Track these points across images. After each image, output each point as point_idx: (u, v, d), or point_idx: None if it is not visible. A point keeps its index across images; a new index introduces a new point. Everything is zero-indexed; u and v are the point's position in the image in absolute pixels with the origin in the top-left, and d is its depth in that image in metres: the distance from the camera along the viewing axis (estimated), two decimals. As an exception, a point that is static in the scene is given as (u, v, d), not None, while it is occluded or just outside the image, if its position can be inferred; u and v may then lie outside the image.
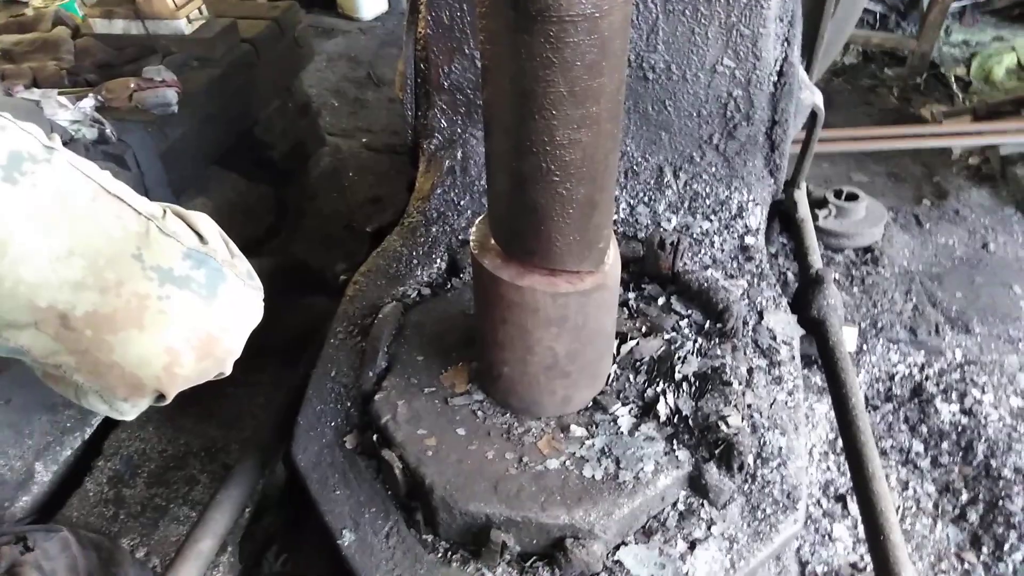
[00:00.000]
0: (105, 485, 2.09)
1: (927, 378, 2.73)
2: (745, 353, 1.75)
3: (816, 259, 2.42)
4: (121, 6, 3.21)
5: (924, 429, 2.56)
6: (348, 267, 2.39)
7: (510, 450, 1.51)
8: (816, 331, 2.08)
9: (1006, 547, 2.20)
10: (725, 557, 1.43)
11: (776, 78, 2.04)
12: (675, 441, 1.53)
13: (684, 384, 1.62)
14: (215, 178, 3.25)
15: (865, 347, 2.85)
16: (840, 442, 2.01)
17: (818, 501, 2.36)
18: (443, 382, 1.66)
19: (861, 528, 1.89)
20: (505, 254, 1.40)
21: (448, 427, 1.56)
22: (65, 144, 2.49)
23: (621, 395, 1.62)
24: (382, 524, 1.49)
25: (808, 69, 2.32)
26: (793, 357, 1.80)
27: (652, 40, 2.00)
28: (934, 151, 4.00)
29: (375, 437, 1.58)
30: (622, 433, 1.54)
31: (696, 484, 1.50)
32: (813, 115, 2.37)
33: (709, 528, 1.47)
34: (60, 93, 2.70)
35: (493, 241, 1.42)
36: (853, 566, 2.18)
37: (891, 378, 2.75)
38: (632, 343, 1.72)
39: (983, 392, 2.65)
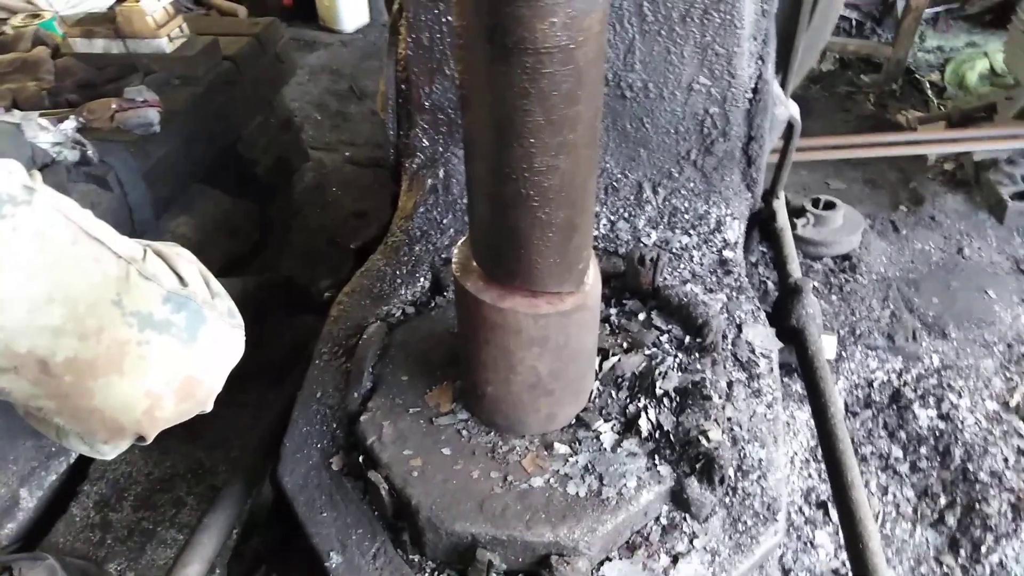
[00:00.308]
0: (91, 510, 2.09)
1: (905, 384, 2.78)
2: (725, 367, 1.78)
3: (795, 268, 2.46)
4: (101, 25, 3.21)
5: (903, 434, 2.61)
6: (333, 283, 2.41)
7: (495, 469, 1.53)
8: (796, 340, 2.11)
9: (983, 549, 2.24)
10: (707, 570, 1.45)
11: (751, 95, 2.08)
12: (657, 456, 1.55)
13: (665, 399, 1.65)
14: (199, 196, 3.25)
15: (844, 354, 2.90)
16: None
17: (800, 508, 2.40)
18: (428, 401, 1.68)
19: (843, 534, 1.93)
20: (487, 276, 1.42)
21: (433, 447, 1.58)
22: (46, 167, 2.48)
23: (603, 411, 1.65)
24: (369, 545, 1.51)
25: (784, 83, 2.36)
26: (772, 369, 1.83)
27: (629, 59, 2.04)
28: (910, 157, 4.07)
29: (361, 458, 1.60)
30: (605, 449, 1.57)
31: (678, 498, 1.53)
32: (790, 126, 2.42)
33: (691, 542, 1.49)
34: (41, 115, 2.70)
35: (475, 263, 1.44)
36: (835, 572, 2.22)
37: (870, 384, 2.80)
38: (614, 359, 1.75)
39: (959, 397, 2.71)
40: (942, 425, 2.61)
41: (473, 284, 1.42)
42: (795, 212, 3.32)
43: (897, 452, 2.56)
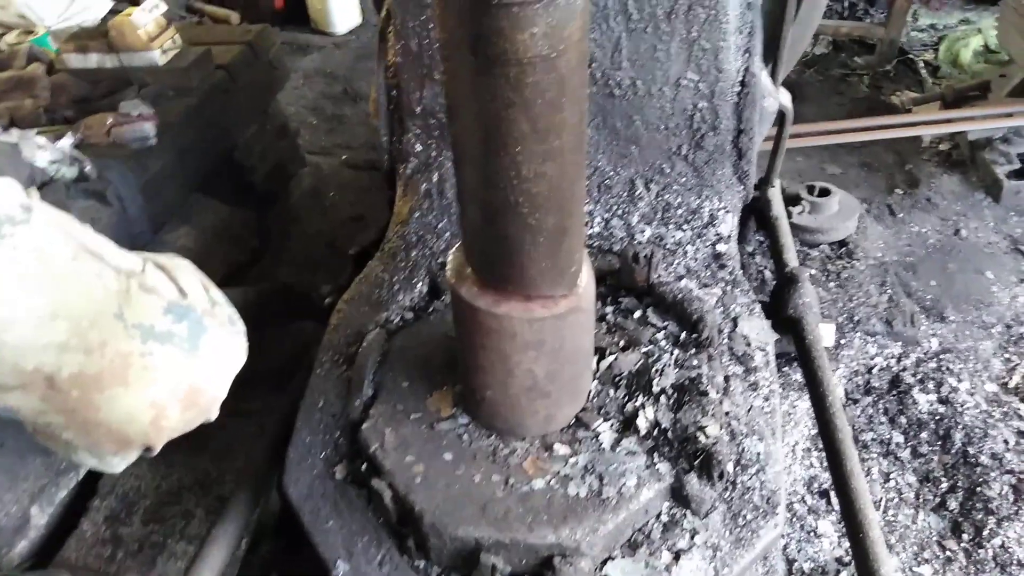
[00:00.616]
0: (102, 525, 2.11)
1: (904, 369, 2.79)
2: (721, 361, 1.80)
3: (791, 257, 2.47)
4: (95, 40, 3.22)
5: (903, 420, 2.62)
6: (333, 289, 2.42)
7: (496, 472, 1.55)
8: (793, 330, 2.13)
9: (985, 533, 2.26)
10: (709, 566, 1.47)
11: (739, 88, 2.09)
12: (656, 454, 1.57)
13: (662, 396, 1.67)
14: (197, 206, 3.27)
15: (843, 341, 2.91)
16: (822, 439, 2.06)
17: (802, 498, 2.41)
18: (429, 407, 1.70)
19: (845, 523, 1.94)
20: (481, 282, 1.44)
21: (435, 452, 1.60)
22: (45, 185, 2.50)
23: (602, 410, 1.66)
24: (375, 553, 1.53)
25: (774, 73, 2.36)
26: (768, 362, 1.85)
27: (616, 58, 2.05)
28: (905, 138, 4.06)
29: (364, 466, 1.62)
30: (604, 449, 1.58)
31: (678, 495, 1.55)
32: (782, 115, 2.43)
33: (692, 538, 1.51)
34: (38, 132, 2.72)
35: (469, 269, 1.46)
36: (839, 560, 2.24)
37: (869, 371, 2.81)
38: (611, 358, 1.77)
39: (959, 380, 2.72)
40: (942, 409, 2.63)
41: (468, 290, 1.44)
42: (791, 200, 3.33)
43: (898, 438, 2.57)
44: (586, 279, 1.48)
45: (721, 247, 2.11)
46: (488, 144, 1.20)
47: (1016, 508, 2.30)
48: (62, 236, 1.09)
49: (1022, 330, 2.97)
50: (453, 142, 1.32)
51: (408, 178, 2.28)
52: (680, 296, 1.88)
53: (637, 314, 1.90)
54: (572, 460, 1.57)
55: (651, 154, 2.19)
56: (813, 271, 3.24)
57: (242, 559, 1.98)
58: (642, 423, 1.62)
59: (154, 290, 1.14)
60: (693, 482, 1.53)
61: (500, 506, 1.48)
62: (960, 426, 2.55)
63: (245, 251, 3.48)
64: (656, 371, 1.72)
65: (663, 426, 1.61)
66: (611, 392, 1.70)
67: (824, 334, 2.62)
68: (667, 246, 2.10)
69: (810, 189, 3.41)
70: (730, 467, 1.59)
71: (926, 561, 2.25)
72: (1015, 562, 2.20)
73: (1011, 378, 2.75)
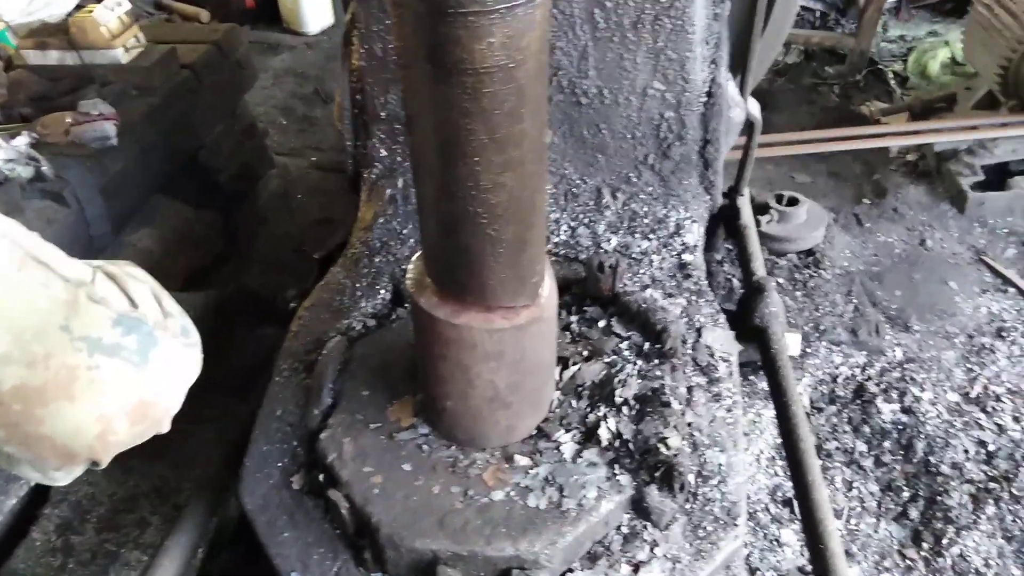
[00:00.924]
0: (52, 533, 2.06)
1: (868, 378, 2.82)
2: (684, 372, 1.79)
3: (759, 266, 2.48)
4: (55, 36, 3.16)
5: (867, 429, 2.64)
6: (298, 293, 2.39)
7: (456, 484, 1.53)
8: (759, 339, 2.13)
9: (944, 541, 2.28)
10: (668, 578, 1.47)
11: (705, 99, 2.09)
12: (617, 465, 1.56)
13: (625, 408, 1.66)
14: (160, 207, 3.21)
15: (808, 350, 2.93)
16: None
17: (766, 507, 2.42)
18: (389, 416, 1.68)
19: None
20: (441, 292, 1.42)
21: (394, 463, 1.57)
22: (-1, 185, 2.43)
23: (564, 421, 1.65)
24: (330, 565, 1.50)
25: (742, 84, 2.37)
26: (732, 373, 1.85)
27: (583, 66, 2.04)
28: (873, 149, 4.11)
29: (321, 476, 1.59)
30: (565, 460, 1.57)
31: (639, 507, 1.54)
32: (751, 124, 2.44)
33: (652, 550, 1.50)
34: (-7, 130, 2.66)
35: (429, 279, 1.44)
36: (801, 570, 2.25)
37: (834, 380, 2.83)
38: (574, 368, 1.76)
39: (922, 390, 2.75)
40: (905, 419, 2.65)
41: (427, 300, 1.42)
42: (759, 209, 3.35)
43: (861, 447, 2.60)
44: (548, 289, 1.46)
45: (687, 257, 2.11)
46: (446, 154, 1.19)
47: (975, 517, 2.33)
48: (8, 245, 1.04)
49: (984, 340, 3.01)
50: (412, 152, 1.30)
51: (372, 183, 2.25)
52: (645, 306, 1.88)
53: (602, 324, 1.89)
54: (533, 471, 1.55)
55: (618, 163, 2.18)
56: (780, 280, 3.26)
57: (200, 567, 1.94)
58: (604, 434, 1.60)
59: (103, 301, 1.10)
60: (654, 494, 1.52)
61: (459, 518, 1.46)
62: (922, 436, 2.58)
63: (210, 253, 3.43)
64: (619, 382, 1.71)
65: (625, 437, 1.60)
66: (574, 402, 1.69)
67: (790, 343, 2.63)
68: (633, 255, 2.10)
69: (779, 198, 3.43)
70: (691, 479, 1.58)
71: (887, 570, 2.27)
72: (972, 571, 2.23)
73: (972, 388, 2.79)
